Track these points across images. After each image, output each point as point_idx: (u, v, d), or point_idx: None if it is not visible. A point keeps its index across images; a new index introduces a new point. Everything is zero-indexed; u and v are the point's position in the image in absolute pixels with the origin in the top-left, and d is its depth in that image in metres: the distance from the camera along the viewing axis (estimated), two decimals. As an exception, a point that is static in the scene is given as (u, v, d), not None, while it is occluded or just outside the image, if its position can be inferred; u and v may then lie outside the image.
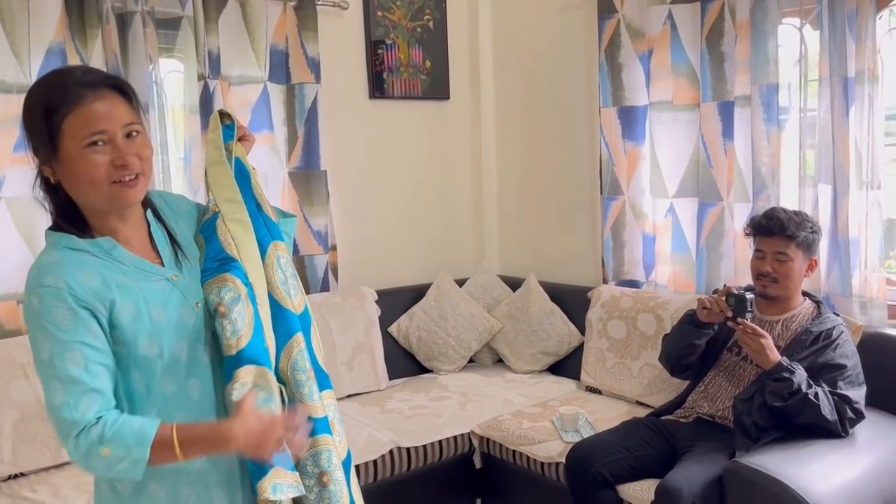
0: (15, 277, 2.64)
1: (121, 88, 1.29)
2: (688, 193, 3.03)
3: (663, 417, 2.52)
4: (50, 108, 1.23)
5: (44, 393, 1.24)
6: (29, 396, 2.43)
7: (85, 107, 1.23)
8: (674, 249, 3.12)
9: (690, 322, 2.46)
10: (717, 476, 2.12)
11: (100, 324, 1.25)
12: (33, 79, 2.61)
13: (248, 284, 1.39)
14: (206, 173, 1.47)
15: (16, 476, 2.40)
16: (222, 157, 1.47)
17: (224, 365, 1.35)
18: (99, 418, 1.21)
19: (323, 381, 1.53)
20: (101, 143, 1.24)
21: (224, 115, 1.51)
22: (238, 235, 1.42)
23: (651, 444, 2.39)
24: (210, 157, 1.47)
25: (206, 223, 1.44)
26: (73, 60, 2.68)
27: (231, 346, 1.33)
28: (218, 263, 1.39)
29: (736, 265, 2.86)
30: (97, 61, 2.71)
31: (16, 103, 2.60)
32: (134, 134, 1.28)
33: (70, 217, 1.29)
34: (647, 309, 2.99)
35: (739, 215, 2.80)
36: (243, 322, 1.35)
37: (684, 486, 2.07)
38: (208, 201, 1.47)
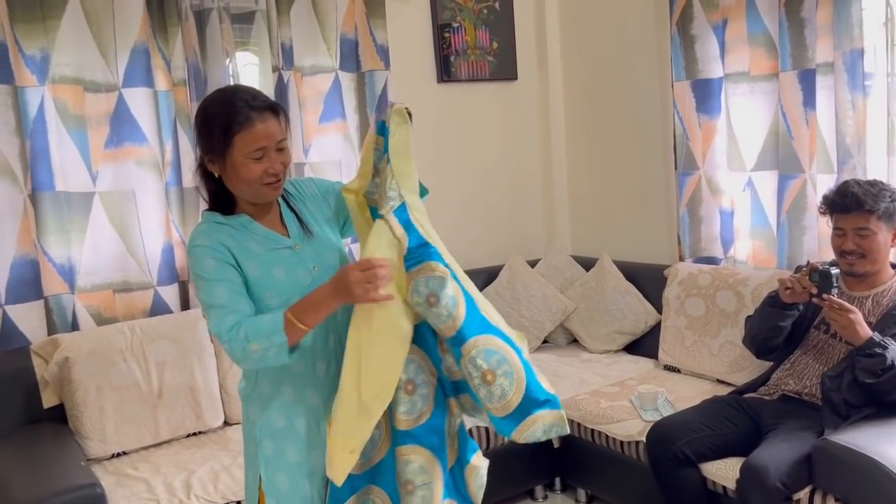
0: (110, 268, 2.79)
1: (276, 111, 1.61)
2: (767, 166, 2.95)
3: (746, 395, 2.48)
4: (227, 126, 1.57)
5: (208, 320, 1.60)
6: (128, 380, 2.56)
7: (253, 128, 1.57)
8: (753, 224, 3.04)
9: (773, 304, 2.40)
10: (805, 454, 2.08)
11: (237, 266, 1.60)
12: (120, 78, 2.74)
13: (447, 266, 1.60)
14: (387, 160, 1.64)
15: (118, 455, 2.54)
16: (407, 149, 1.65)
17: (450, 345, 1.60)
18: (237, 324, 1.55)
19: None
20: (259, 155, 1.58)
21: (401, 111, 1.67)
22: (425, 224, 1.65)
23: (734, 421, 2.36)
24: (395, 147, 1.65)
25: (399, 211, 1.62)
26: (156, 59, 2.79)
27: (449, 328, 1.57)
28: (420, 251, 1.60)
29: (820, 238, 2.77)
30: (178, 58, 2.82)
31: (105, 102, 2.74)
32: (282, 147, 1.62)
33: (219, 201, 1.67)
34: (726, 286, 2.93)
35: (823, 187, 2.70)
36: (454, 303, 1.58)
37: (771, 465, 2.04)
38: (389, 188, 1.61)
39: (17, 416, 2.51)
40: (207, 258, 1.60)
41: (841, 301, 2.16)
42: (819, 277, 2.20)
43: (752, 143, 2.98)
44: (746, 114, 2.98)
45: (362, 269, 1.51)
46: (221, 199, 1.67)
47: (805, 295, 2.26)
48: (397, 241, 1.58)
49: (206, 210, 1.70)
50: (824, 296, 2.18)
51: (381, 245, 1.58)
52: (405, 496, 1.63)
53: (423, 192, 1.74)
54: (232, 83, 3.02)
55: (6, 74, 2.55)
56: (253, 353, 1.54)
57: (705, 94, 3.09)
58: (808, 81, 2.73)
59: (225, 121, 1.57)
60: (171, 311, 2.87)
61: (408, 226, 1.61)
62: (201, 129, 1.62)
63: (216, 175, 1.64)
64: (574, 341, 3.56)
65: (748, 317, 2.60)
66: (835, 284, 2.18)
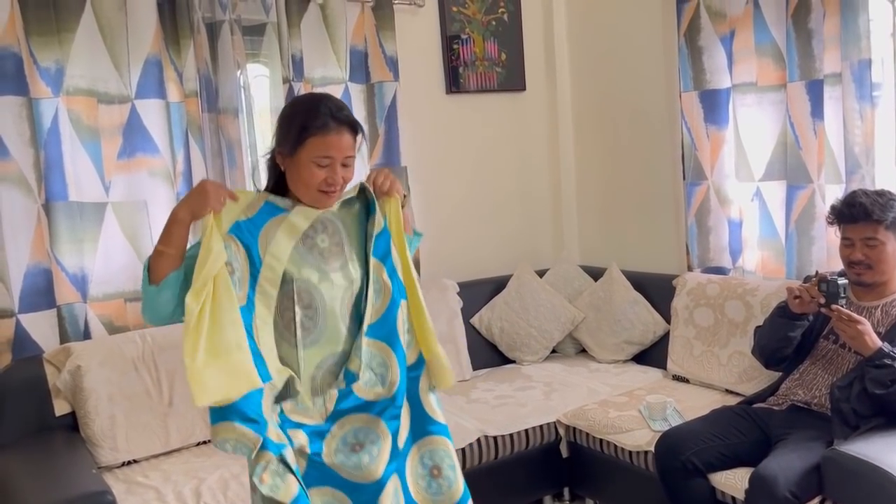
0: (121, 277, 2.81)
1: (354, 128, 1.71)
2: (775, 176, 2.95)
3: (755, 405, 2.47)
4: (304, 126, 1.67)
5: None
6: (139, 388, 2.58)
7: (327, 136, 1.67)
8: (762, 234, 3.05)
9: (783, 314, 2.40)
10: (814, 464, 2.08)
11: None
12: (134, 90, 2.78)
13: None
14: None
15: (129, 463, 2.56)
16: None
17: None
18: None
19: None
20: (325, 163, 1.67)
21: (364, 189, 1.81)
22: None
23: (743, 431, 2.35)
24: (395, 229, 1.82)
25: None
26: (169, 71, 2.83)
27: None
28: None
29: (829, 249, 2.77)
30: (190, 70, 2.85)
31: (118, 113, 2.77)
32: (348, 164, 1.71)
33: (276, 187, 1.77)
34: (735, 296, 2.93)
35: (831, 197, 2.71)
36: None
37: (780, 474, 2.03)
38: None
39: (29, 424, 2.53)
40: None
41: (849, 312, 2.16)
42: (827, 287, 2.20)
43: (760, 154, 2.99)
44: (754, 124, 2.99)
45: (216, 192, 1.63)
46: (277, 186, 1.77)
47: (813, 305, 2.26)
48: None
49: (265, 190, 1.79)
50: (832, 306, 2.18)
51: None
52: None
53: (417, 236, 1.97)
54: (243, 95, 3.06)
55: (21, 86, 2.59)
56: (144, 296, 1.63)
57: (713, 105, 3.10)
58: (815, 92, 2.73)
59: (304, 121, 1.67)
60: (181, 321, 2.89)
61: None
62: (282, 122, 1.73)
63: (281, 169, 1.73)
64: (582, 351, 3.56)
65: (757, 327, 2.60)
66: (843, 295, 2.18)
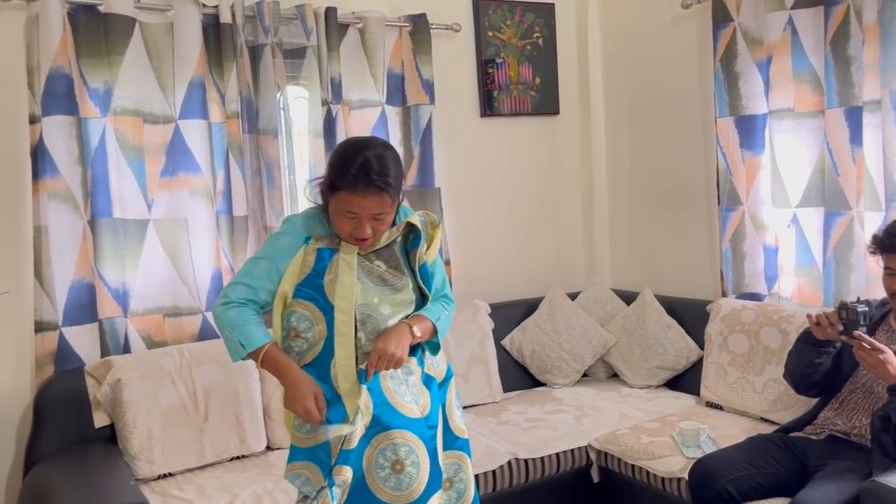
0: (161, 293, 2.87)
1: (384, 190, 1.77)
2: (812, 203, 2.93)
3: (792, 434, 2.44)
4: (335, 180, 1.79)
5: (238, 271, 1.90)
6: (176, 403, 2.63)
7: (352, 195, 1.77)
8: (798, 261, 3.02)
9: (808, 340, 2.38)
10: (852, 496, 2.03)
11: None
12: (178, 111, 2.85)
13: None
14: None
15: (165, 476, 2.59)
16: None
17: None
18: (240, 304, 1.80)
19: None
20: (351, 217, 1.79)
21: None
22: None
23: (780, 461, 2.32)
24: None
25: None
26: (212, 92, 2.90)
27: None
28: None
29: (868, 277, 2.73)
30: (232, 91, 2.92)
31: (162, 133, 2.85)
32: (379, 219, 1.81)
33: (325, 207, 1.88)
34: (770, 322, 2.90)
35: (870, 224, 2.68)
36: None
37: (818, 506, 2.00)
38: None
39: (69, 435, 2.58)
40: (288, 236, 1.85)
41: (871, 339, 2.13)
42: (847, 315, 2.18)
43: (797, 180, 2.97)
44: (791, 150, 2.97)
45: (306, 410, 1.78)
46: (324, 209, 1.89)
47: (834, 332, 2.23)
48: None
49: (316, 207, 1.92)
50: (854, 333, 2.15)
51: None
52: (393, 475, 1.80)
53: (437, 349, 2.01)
54: (282, 116, 3.12)
55: (72, 106, 2.67)
56: (224, 332, 1.82)
57: (749, 131, 3.09)
58: (854, 119, 2.72)
59: (337, 174, 1.78)
60: (217, 337, 2.93)
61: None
62: (329, 162, 1.86)
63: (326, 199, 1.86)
64: (614, 375, 3.54)
65: (789, 351, 2.57)
66: (863, 322, 2.15)
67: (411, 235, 1.93)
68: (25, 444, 2.58)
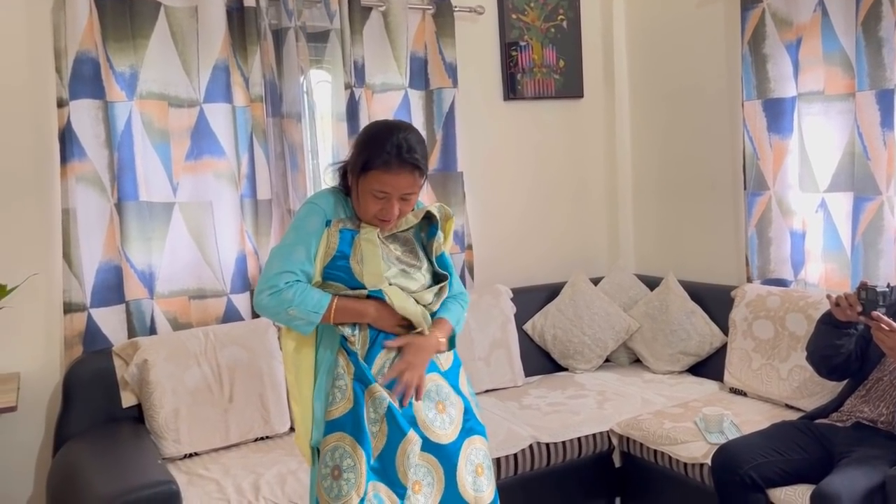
0: (186, 275, 2.90)
1: (418, 168, 1.79)
2: (841, 187, 2.88)
3: (818, 421, 2.41)
4: (368, 160, 1.78)
5: (267, 265, 1.84)
6: (201, 384, 2.66)
7: (386, 173, 1.77)
8: (826, 247, 2.98)
9: (829, 321, 2.35)
10: (878, 483, 2.02)
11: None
12: (202, 94, 2.87)
13: None
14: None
15: (191, 455, 2.63)
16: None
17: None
18: (288, 284, 1.77)
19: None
20: (381, 196, 1.79)
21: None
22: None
23: (804, 447, 2.30)
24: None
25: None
26: (236, 75, 2.91)
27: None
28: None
29: (897, 262, 2.69)
30: (256, 75, 2.93)
31: (187, 116, 2.87)
32: (407, 198, 1.82)
33: (345, 190, 1.89)
34: (796, 309, 2.87)
35: (901, 210, 2.64)
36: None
37: (844, 493, 1.98)
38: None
39: (98, 414, 2.63)
40: (315, 217, 1.84)
41: (889, 321, 2.09)
42: (866, 295, 2.15)
43: (825, 164, 2.93)
44: (820, 134, 2.93)
45: (399, 322, 1.84)
46: (347, 190, 1.89)
47: (853, 313, 2.20)
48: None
49: (334, 187, 1.92)
50: (873, 314, 2.13)
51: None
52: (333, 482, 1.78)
53: (452, 344, 1.97)
54: (305, 100, 3.13)
55: (98, 90, 2.70)
56: (287, 314, 1.78)
57: (777, 114, 3.05)
58: (886, 101, 2.67)
59: (370, 154, 1.78)
60: (242, 319, 2.97)
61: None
62: (356, 144, 1.86)
63: (349, 182, 1.85)
64: (636, 361, 3.53)
65: (811, 333, 2.54)
66: (881, 303, 2.12)
67: (429, 226, 1.94)
68: (55, 423, 2.63)
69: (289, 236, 1.87)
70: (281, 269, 1.80)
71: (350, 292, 1.83)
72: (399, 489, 1.77)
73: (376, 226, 1.85)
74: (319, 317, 1.80)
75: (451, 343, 1.94)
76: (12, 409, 2.35)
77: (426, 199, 3.37)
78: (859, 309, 2.17)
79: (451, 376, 1.94)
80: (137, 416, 2.67)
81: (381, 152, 1.76)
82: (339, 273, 1.83)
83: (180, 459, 2.60)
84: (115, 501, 2.07)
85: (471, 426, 1.92)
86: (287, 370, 1.93)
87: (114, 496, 2.08)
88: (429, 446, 1.83)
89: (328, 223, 1.85)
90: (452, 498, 1.84)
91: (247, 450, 2.67)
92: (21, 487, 2.73)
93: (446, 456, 1.85)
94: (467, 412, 1.92)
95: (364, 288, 1.82)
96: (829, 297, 2.31)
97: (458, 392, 1.93)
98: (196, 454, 2.63)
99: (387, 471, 1.78)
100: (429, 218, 1.94)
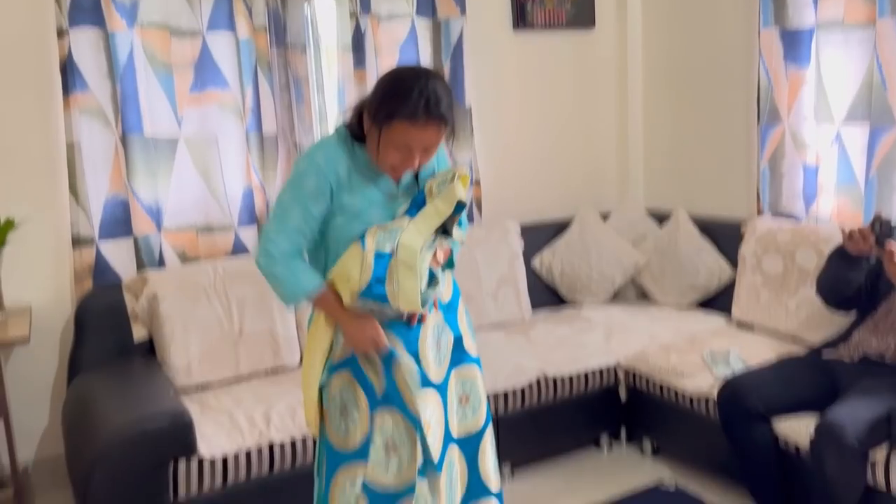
0: (193, 210, 2.89)
1: (445, 122, 1.69)
2: (858, 118, 2.82)
3: (825, 356, 2.42)
4: (393, 110, 1.65)
5: (268, 221, 1.80)
6: (211, 317, 2.68)
7: (412, 126, 1.65)
8: (839, 180, 2.93)
9: (841, 254, 2.33)
10: (883, 414, 2.03)
11: (329, 198, 1.74)
12: (204, 24, 2.80)
13: None
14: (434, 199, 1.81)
15: (202, 388, 2.67)
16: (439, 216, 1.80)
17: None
18: (284, 259, 1.74)
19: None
20: (403, 149, 1.68)
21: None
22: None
23: (810, 380, 2.31)
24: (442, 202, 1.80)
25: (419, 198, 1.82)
26: (238, 4, 2.84)
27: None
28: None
29: (912, 196, 2.65)
30: (259, 4, 2.86)
31: (190, 47, 2.81)
32: (429, 150, 1.72)
33: (357, 133, 1.76)
34: (807, 243, 2.85)
35: (918, 142, 2.59)
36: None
37: (848, 423, 2.00)
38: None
39: (110, 348, 2.66)
40: (311, 177, 1.73)
41: None
42: (880, 227, 2.14)
43: (842, 95, 2.86)
44: (838, 64, 2.85)
45: (373, 339, 1.77)
46: (356, 131, 1.76)
47: (866, 245, 2.19)
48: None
49: (343, 126, 1.79)
50: (886, 246, 2.11)
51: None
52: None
53: (450, 264, 1.87)
54: (310, 30, 3.05)
55: (98, 18, 2.64)
56: (273, 278, 1.76)
57: (794, 43, 2.96)
58: (908, 29, 2.58)
59: (395, 104, 1.64)
60: (248, 252, 2.97)
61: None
62: (377, 89, 1.71)
63: (364, 125, 1.73)
64: (644, 297, 3.53)
65: (823, 265, 2.53)
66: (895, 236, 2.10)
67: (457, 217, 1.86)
68: (68, 356, 2.67)
69: (286, 193, 1.76)
70: (277, 229, 1.75)
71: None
72: (411, 418, 1.79)
73: (389, 175, 1.77)
74: (305, 297, 1.78)
75: (450, 264, 1.88)
76: (25, 340, 2.38)
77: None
78: (872, 240, 2.15)
79: (450, 310, 1.91)
80: (150, 349, 2.70)
81: (408, 103, 1.63)
82: (374, 299, 1.74)
83: (193, 392, 2.64)
84: (129, 431, 2.11)
85: (458, 357, 1.91)
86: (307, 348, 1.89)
87: (128, 425, 2.12)
88: (427, 383, 1.82)
89: (332, 193, 1.74)
90: (446, 435, 1.87)
91: (258, 382, 2.71)
92: (37, 420, 2.79)
93: (442, 392, 1.86)
94: (457, 343, 1.90)
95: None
96: (842, 229, 2.28)
97: (454, 325, 1.91)
98: (208, 387, 2.67)
99: (391, 398, 1.80)
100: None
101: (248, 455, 2.28)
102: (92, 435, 2.17)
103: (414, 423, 1.78)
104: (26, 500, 2.49)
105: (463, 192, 1.78)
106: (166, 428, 2.14)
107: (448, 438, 1.87)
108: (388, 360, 1.79)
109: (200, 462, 2.22)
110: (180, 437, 2.15)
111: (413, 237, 1.74)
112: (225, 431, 2.32)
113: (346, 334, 1.79)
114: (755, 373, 2.40)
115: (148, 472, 2.13)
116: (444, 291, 1.88)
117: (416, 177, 1.84)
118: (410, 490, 1.79)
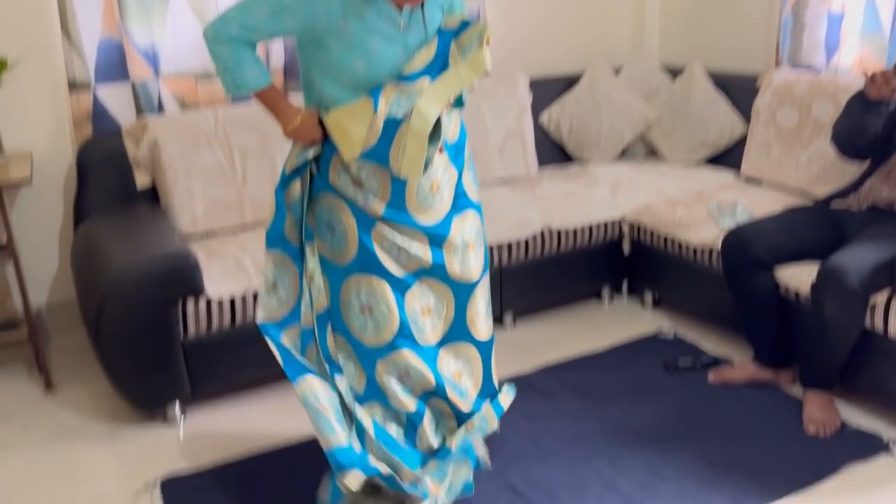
0: (191, 55, 2.80)
1: None
2: (890, -39, 2.66)
3: (833, 206, 2.38)
4: None
5: (236, 4, 1.65)
6: (213, 165, 2.65)
7: None
8: (864, 28, 2.80)
9: (860, 100, 2.25)
10: (887, 259, 2.03)
11: (311, 20, 1.62)
12: None
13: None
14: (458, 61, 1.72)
15: (207, 235, 2.68)
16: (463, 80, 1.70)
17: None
18: (231, 43, 1.66)
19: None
20: None
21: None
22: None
23: (816, 229, 2.30)
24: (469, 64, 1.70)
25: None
26: None
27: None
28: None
29: (940, 43, 2.54)
30: None
31: None
32: None
33: None
34: (825, 95, 2.75)
35: (953, -16, 2.44)
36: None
37: (851, 267, 2.00)
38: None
39: (114, 194, 2.65)
40: None
41: None
42: None
43: (877, -66, 2.67)
44: None
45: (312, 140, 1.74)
46: None
47: (889, 89, 2.11)
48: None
49: None
50: None
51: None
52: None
53: (459, 102, 1.80)
54: None
55: None
56: (218, 60, 1.69)
57: None
58: None
59: None
60: (249, 99, 2.89)
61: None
62: None
63: None
64: (653, 154, 3.47)
65: (840, 113, 2.46)
66: None
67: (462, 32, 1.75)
68: (73, 201, 2.66)
69: None
70: (235, 16, 1.65)
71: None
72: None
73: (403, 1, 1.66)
74: (251, 89, 1.73)
75: (459, 101, 1.82)
76: (27, 181, 2.37)
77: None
78: (895, 83, 2.07)
79: (458, 154, 1.85)
80: (153, 196, 2.69)
81: None
82: (376, 161, 1.70)
83: (198, 239, 2.65)
84: (139, 270, 2.13)
85: (462, 203, 1.85)
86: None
87: (138, 265, 2.14)
88: (420, 227, 1.79)
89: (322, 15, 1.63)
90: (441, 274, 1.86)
91: (263, 230, 2.70)
92: (47, 265, 2.83)
93: (436, 238, 1.81)
94: (458, 185, 1.85)
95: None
96: (864, 73, 2.19)
97: (459, 166, 1.85)
98: (213, 234, 2.68)
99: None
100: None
101: (255, 296, 2.31)
102: (102, 276, 2.20)
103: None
104: (41, 339, 2.56)
105: (489, 64, 1.70)
106: (175, 268, 2.16)
107: (422, 273, 1.83)
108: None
109: (209, 302, 2.26)
110: (188, 276, 2.18)
111: (430, 105, 1.66)
112: (231, 274, 2.34)
113: (292, 132, 1.76)
114: (761, 222, 2.38)
115: (157, 311, 2.17)
116: (451, 131, 1.82)
117: (422, 6, 1.73)
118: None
